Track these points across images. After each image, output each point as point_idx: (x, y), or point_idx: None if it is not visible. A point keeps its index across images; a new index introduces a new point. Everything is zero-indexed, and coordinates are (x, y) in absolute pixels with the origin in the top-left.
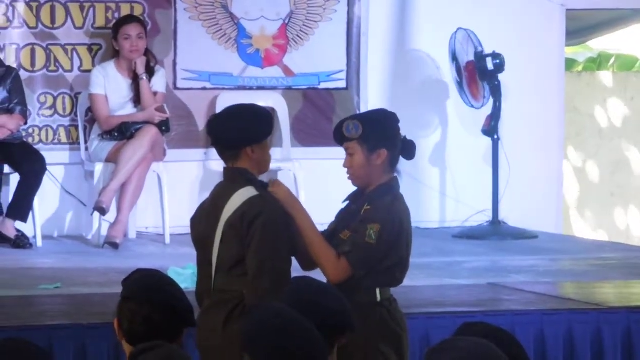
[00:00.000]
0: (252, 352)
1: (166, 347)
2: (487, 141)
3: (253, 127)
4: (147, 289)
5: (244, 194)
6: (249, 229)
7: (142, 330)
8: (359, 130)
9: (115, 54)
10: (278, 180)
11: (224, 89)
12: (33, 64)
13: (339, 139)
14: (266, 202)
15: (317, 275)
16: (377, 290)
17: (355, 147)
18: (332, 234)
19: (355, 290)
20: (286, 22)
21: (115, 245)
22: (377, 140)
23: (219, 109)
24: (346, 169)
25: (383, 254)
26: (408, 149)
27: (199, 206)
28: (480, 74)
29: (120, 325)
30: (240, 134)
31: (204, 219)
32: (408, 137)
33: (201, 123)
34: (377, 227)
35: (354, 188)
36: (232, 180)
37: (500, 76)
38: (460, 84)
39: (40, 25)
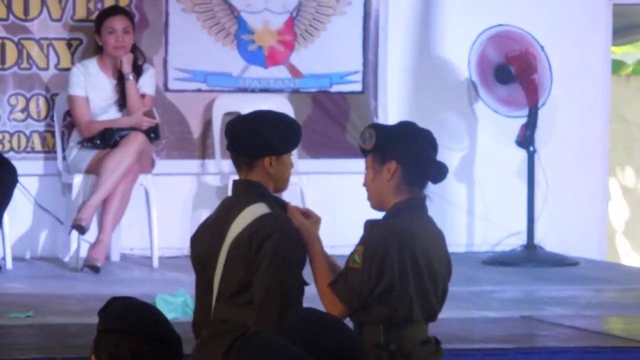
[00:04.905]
0: None
1: None
2: (522, 154)
3: (276, 136)
4: (132, 319)
5: (254, 211)
6: (259, 251)
7: None
8: (372, 140)
9: (97, 51)
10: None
11: (221, 91)
12: (3, 60)
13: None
14: (280, 221)
15: None
16: (380, 328)
17: (369, 160)
18: None
19: (359, 328)
20: (293, 15)
21: (95, 269)
22: (387, 151)
23: (216, 113)
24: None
25: (373, 278)
26: (436, 170)
27: (201, 223)
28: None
29: None
30: (259, 140)
31: (206, 237)
32: None
33: (196, 130)
34: (361, 249)
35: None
36: (242, 194)
37: None
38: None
39: (11, 17)
